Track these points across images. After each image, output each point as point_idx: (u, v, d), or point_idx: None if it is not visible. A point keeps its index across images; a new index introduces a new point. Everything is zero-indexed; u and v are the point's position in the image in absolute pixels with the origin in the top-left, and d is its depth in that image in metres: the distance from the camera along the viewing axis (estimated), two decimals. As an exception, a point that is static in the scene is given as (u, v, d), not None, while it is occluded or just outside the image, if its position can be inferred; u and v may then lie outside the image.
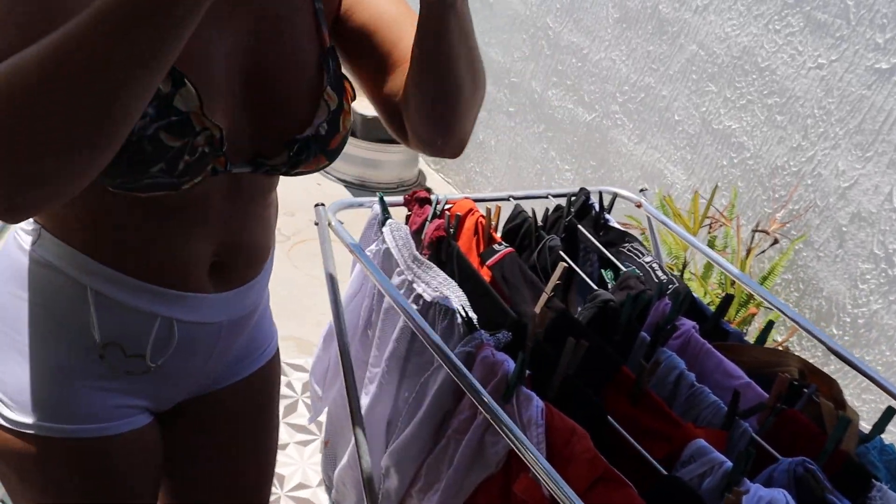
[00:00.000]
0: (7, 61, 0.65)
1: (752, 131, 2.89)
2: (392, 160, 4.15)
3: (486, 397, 1.27)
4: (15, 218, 0.73)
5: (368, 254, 1.63)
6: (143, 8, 0.62)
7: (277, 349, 1.35)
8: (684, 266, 1.97)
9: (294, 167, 1.02)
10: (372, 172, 4.14)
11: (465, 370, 1.27)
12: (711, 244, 2.82)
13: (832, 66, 2.61)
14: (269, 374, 1.32)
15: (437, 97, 0.98)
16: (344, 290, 1.70)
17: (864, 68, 2.52)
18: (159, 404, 1.16)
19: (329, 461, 1.92)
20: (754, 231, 2.75)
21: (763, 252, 2.77)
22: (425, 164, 4.50)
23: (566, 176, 3.56)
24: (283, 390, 2.73)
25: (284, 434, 2.58)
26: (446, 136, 1.02)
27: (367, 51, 1.05)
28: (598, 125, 3.37)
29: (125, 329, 1.02)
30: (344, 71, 1.07)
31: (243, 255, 1.10)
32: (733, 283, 2.62)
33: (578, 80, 3.46)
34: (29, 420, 1.04)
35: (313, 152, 1.01)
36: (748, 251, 2.71)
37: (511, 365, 1.36)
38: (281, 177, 1.09)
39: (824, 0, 2.62)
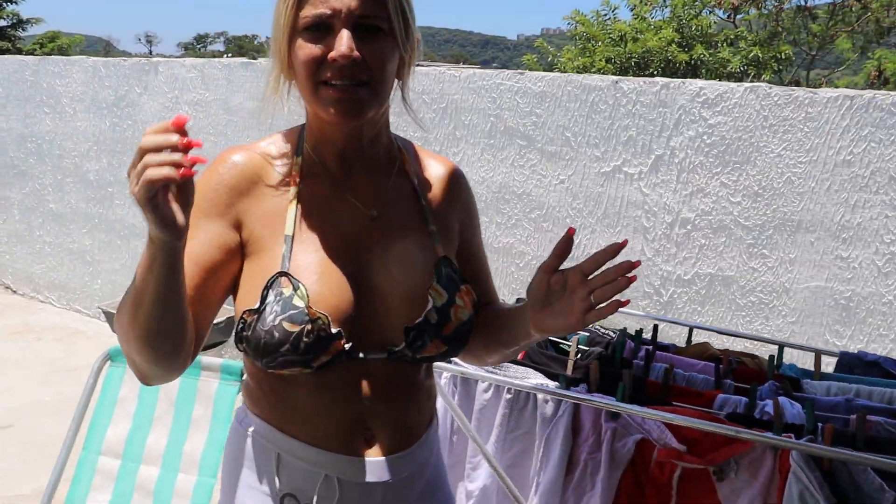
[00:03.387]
0: (124, 298, 1.13)
1: (527, 240, 3.89)
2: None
3: (609, 400, 2.01)
4: (149, 384, 1.21)
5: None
6: (139, 293, 1.08)
7: None
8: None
9: (417, 352, 1.27)
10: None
11: (589, 396, 2.01)
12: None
13: (571, 179, 3.72)
14: None
15: (481, 358, 1.45)
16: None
17: (593, 174, 3.65)
18: None
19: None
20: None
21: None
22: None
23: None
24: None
25: None
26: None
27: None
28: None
29: (299, 483, 1.28)
30: None
31: (392, 428, 1.30)
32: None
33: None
34: None
35: (429, 338, 1.27)
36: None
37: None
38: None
39: (549, 137, 3.73)
